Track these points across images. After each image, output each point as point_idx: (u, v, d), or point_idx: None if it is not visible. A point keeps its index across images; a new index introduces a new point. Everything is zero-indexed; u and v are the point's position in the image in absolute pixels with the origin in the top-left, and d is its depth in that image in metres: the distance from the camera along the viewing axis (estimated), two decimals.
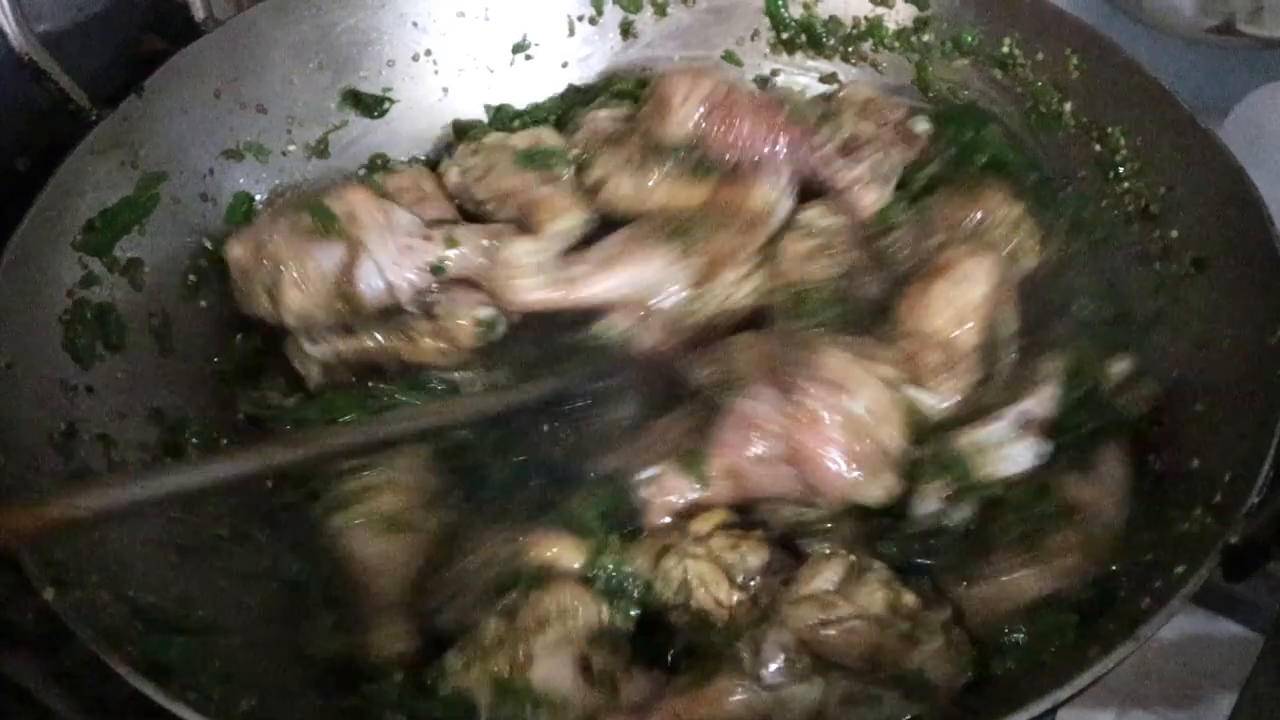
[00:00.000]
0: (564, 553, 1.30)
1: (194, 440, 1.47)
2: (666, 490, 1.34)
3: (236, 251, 1.50)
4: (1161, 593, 1.15)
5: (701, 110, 1.58)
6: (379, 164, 1.75)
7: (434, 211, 1.59)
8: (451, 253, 1.49)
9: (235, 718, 1.15)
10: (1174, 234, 1.46)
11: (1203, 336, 1.38)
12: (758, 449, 1.30)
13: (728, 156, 1.57)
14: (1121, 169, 1.54)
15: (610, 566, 1.29)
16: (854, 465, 1.27)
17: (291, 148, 1.70)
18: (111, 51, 1.83)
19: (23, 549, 1.18)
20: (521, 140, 1.67)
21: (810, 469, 1.28)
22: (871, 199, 1.58)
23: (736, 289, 1.52)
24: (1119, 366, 1.37)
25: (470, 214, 1.64)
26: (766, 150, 1.57)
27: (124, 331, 1.47)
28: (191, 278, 1.58)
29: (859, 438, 1.27)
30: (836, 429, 1.26)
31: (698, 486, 1.33)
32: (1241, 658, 1.40)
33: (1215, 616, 1.44)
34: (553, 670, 1.20)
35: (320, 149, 1.72)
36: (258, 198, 1.67)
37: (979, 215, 1.52)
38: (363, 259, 1.46)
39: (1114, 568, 1.26)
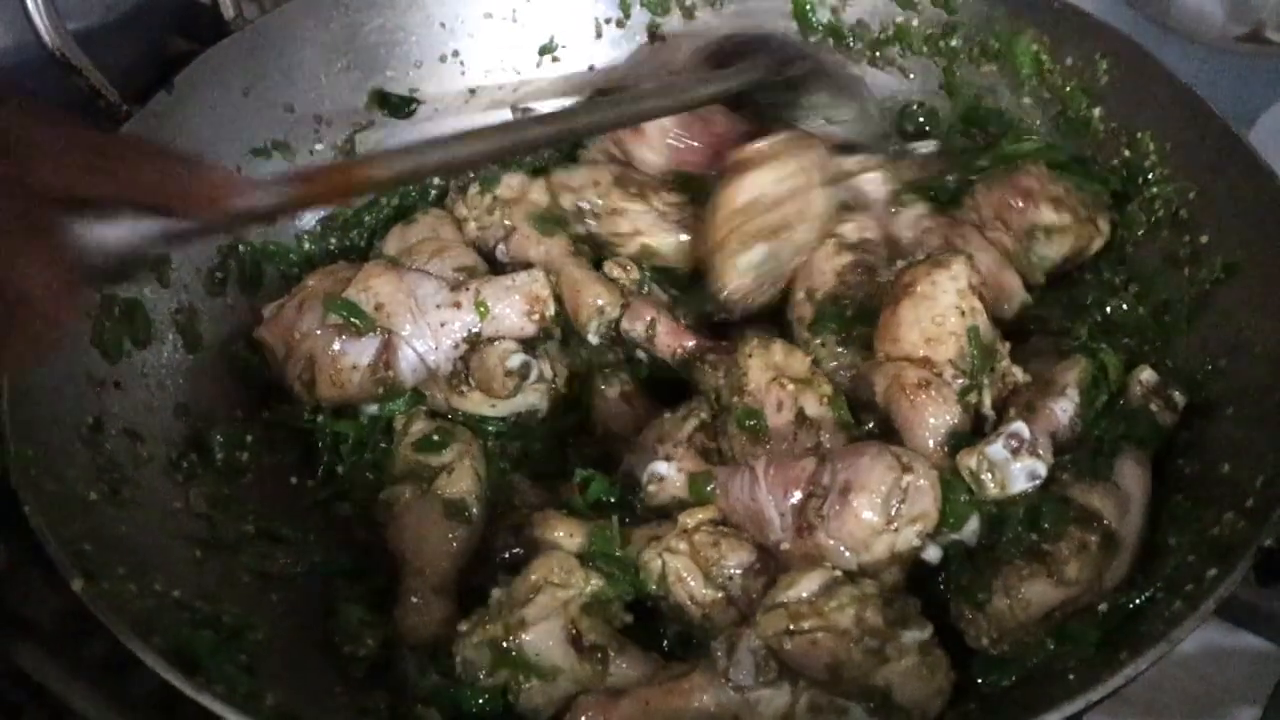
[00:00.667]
0: (564, 532, 1.33)
1: (220, 437, 1.48)
2: (668, 491, 1.35)
3: (266, 338, 1.50)
4: (1193, 596, 1.14)
5: (677, 128, 1.59)
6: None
7: (455, 260, 1.57)
8: (486, 324, 1.47)
9: (261, 711, 1.15)
10: (1204, 239, 1.45)
11: (1233, 341, 1.38)
12: (755, 519, 1.30)
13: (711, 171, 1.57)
14: (1151, 174, 1.54)
15: (605, 549, 1.31)
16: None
17: (319, 147, 1.70)
18: (139, 51, 1.85)
19: (51, 541, 1.18)
20: (538, 194, 1.63)
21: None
22: (875, 187, 1.58)
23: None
24: (1144, 376, 1.36)
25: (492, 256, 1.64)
26: None
27: (151, 327, 1.48)
28: (218, 275, 1.58)
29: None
30: (832, 554, 1.25)
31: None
32: (1262, 671, 1.38)
33: (1235, 629, 1.42)
34: (542, 637, 1.22)
35: (347, 149, 1.73)
36: None
37: (1021, 202, 1.53)
38: (399, 348, 1.45)
39: (1140, 574, 1.25)
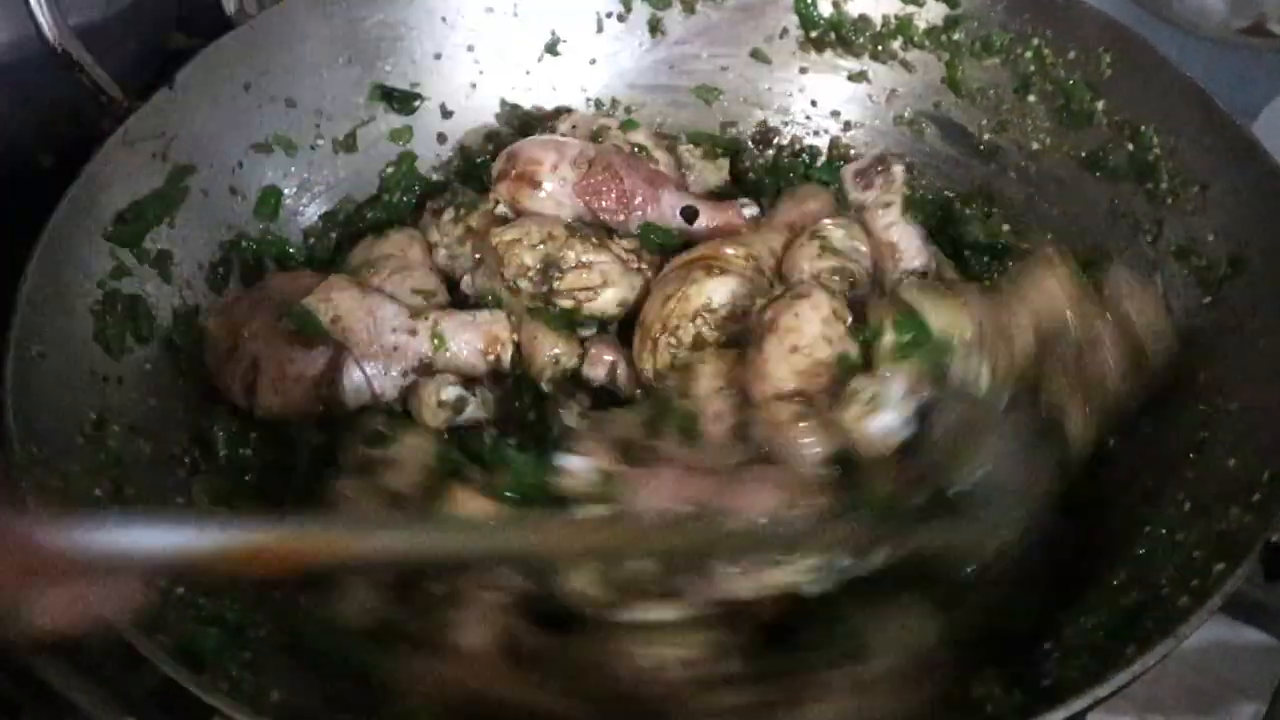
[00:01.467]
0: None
1: (223, 433, 1.47)
2: (574, 485, 1.32)
3: (213, 329, 1.49)
4: (1199, 592, 1.14)
5: (579, 172, 1.58)
6: (406, 162, 1.76)
7: (417, 281, 1.57)
8: (439, 355, 1.47)
9: (265, 709, 1.14)
10: (1210, 235, 1.45)
11: (1240, 335, 1.37)
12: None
13: (620, 217, 1.59)
14: (1155, 169, 1.53)
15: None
16: None
17: (320, 142, 1.70)
18: (140, 46, 1.84)
19: None
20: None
21: None
22: (885, 222, 1.57)
23: None
24: None
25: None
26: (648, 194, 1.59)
27: (153, 323, 1.48)
28: (220, 270, 1.58)
29: None
30: None
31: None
32: (1266, 666, 1.39)
33: (1238, 624, 1.42)
34: None
35: (348, 144, 1.72)
36: (286, 191, 1.67)
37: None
38: (348, 366, 1.44)
39: (1146, 570, 1.25)
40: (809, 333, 1.35)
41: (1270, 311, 1.35)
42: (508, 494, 1.35)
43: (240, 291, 1.53)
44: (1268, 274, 1.38)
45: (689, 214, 1.60)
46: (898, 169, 1.60)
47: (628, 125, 1.72)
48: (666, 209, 1.60)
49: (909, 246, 1.55)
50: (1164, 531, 1.28)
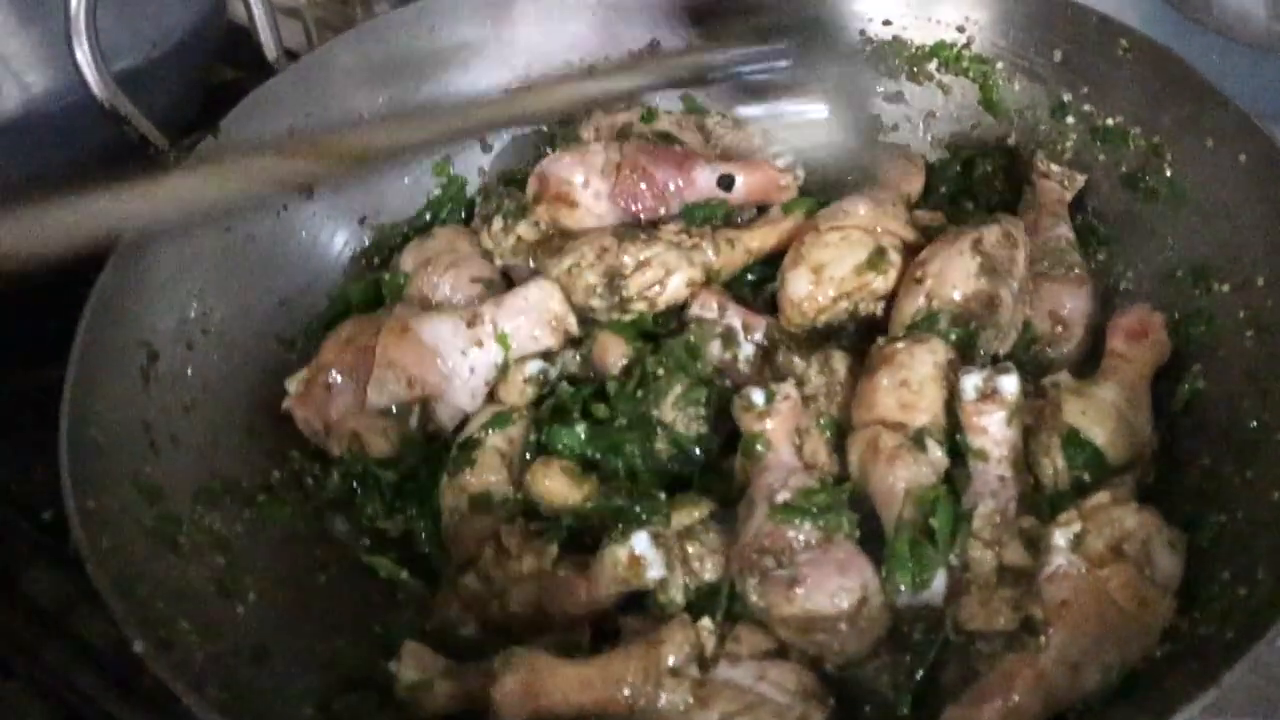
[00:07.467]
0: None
1: (277, 472, 1.50)
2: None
3: (299, 414, 1.51)
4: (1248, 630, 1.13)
5: (610, 181, 1.60)
6: (455, 185, 1.79)
7: (472, 270, 1.60)
8: (511, 354, 1.51)
9: None
10: (1249, 258, 1.44)
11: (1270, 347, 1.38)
12: None
13: (661, 210, 1.62)
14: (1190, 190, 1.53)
15: None
16: None
17: (363, 182, 1.71)
18: (185, 84, 1.87)
19: (113, 598, 1.19)
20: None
21: None
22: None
23: None
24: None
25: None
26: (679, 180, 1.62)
27: (205, 374, 1.49)
28: (283, 310, 1.62)
29: None
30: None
31: None
32: None
33: None
34: None
35: (390, 181, 1.75)
36: (331, 232, 1.71)
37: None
38: (439, 408, 1.49)
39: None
40: (921, 372, 1.39)
41: None
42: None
43: (303, 372, 1.53)
44: None
45: (726, 183, 1.63)
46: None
47: (648, 117, 1.74)
48: (703, 185, 1.63)
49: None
50: (1207, 564, 1.27)
